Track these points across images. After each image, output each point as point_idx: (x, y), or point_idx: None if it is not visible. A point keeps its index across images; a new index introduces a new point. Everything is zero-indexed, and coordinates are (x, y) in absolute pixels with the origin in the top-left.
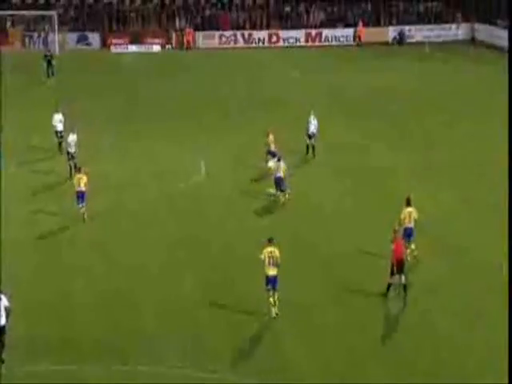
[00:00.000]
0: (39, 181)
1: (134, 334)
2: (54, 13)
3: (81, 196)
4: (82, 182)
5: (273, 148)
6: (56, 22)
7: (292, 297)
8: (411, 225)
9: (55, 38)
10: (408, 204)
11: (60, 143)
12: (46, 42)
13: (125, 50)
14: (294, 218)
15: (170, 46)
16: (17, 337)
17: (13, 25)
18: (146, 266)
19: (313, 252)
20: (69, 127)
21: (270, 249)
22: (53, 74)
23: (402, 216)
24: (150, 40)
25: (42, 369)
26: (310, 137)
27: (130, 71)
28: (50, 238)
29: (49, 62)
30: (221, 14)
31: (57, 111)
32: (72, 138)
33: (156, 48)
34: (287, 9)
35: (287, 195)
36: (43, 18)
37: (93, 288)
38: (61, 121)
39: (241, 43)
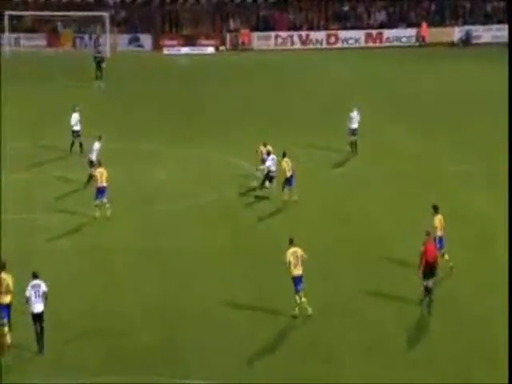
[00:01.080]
0: (70, 185)
1: (185, 343)
2: (105, 14)
3: (102, 191)
4: (103, 176)
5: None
6: (107, 23)
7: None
8: (441, 233)
9: (106, 39)
10: (436, 211)
11: (73, 143)
12: (96, 44)
13: (177, 52)
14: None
15: (224, 48)
16: (64, 347)
17: (64, 26)
18: (197, 272)
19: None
20: (110, 132)
21: (292, 249)
22: (101, 77)
23: (435, 224)
24: (203, 41)
25: (91, 382)
26: (353, 133)
27: (183, 74)
28: (91, 243)
29: (98, 64)
30: (277, 14)
31: (74, 110)
32: (97, 145)
33: (209, 50)
34: (346, 8)
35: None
36: (94, 19)
37: (142, 294)
38: (79, 120)
39: (298, 45)
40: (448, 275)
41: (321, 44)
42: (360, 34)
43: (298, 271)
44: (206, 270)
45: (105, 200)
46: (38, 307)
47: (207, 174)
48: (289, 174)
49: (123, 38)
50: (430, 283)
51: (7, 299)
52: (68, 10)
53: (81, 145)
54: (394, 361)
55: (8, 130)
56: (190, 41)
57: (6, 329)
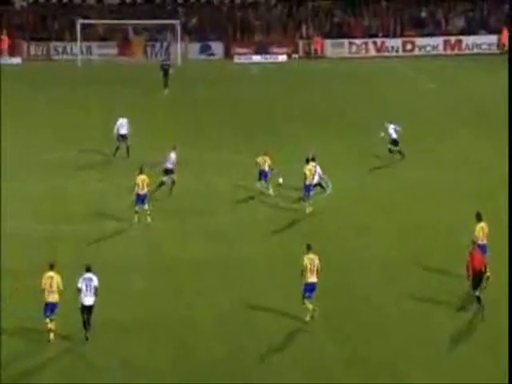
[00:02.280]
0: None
1: (253, 355)
2: (177, 22)
3: (142, 198)
4: (145, 183)
5: (266, 168)
6: (179, 31)
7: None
8: (485, 241)
9: (177, 47)
10: (479, 219)
11: (118, 147)
12: (168, 52)
13: (249, 60)
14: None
15: (296, 56)
16: (131, 350)
17: (135, 34)
18: (266, 291)
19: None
20: (178, 141)
21: (310, 256)
22: (167, 85)
23: (476, 232)
24: (275, 49)
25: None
26: (394, 143)
27: (255, 82)
28: (157, 253)
29: (165, 72)
30: (351, 20)
31: (121, 116)
32: (173, 155)
33: (282, 57)
34: (423, 14)
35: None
36: (166, 27)
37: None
38: (126, 125)
39: (372, 52)
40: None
41: (397, 51)
42: (438, 41)
43: (313, 279)
44: (269, 279)
45: (146, 207)
46: (89, 300)
47: (272, 182)
48: (311, 181)
49: (194, 47)
50: (478, 292)
51: (55, 298)
52: (139, 19)
53: (127, 149)
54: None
55: (72, 135)
56: (261, 48)
57: (50, 325)
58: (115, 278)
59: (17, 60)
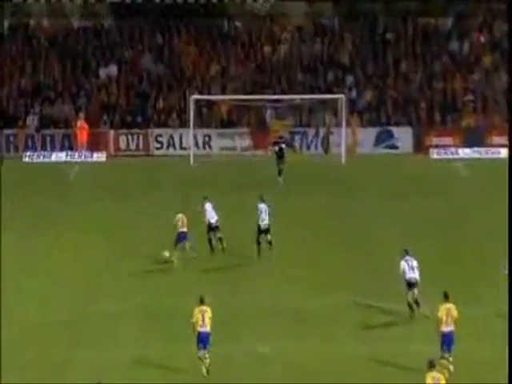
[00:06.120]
0: None
1: None
2: (341, 96)
3: (183, 237)
4: (184, 221)
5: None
6: (344, 110)
7: None
8: (451, 327)
9: (342, 136)
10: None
11: (210, 239)
12: (326, 143)
13: (453, 156)
14: None
15: None
16: None
17: (276, 116)
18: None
19: None
20: None
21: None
22: (280, 173)
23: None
24: (494, 139)
25: None
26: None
27: (465, 190)
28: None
29: (280, 152)
30: None
31: (206, 198)
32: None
33: (504, 152)
34: None
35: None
36: (323, 104)
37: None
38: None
39: None
40: None
41: None
42: None
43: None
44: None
45: (187, 245)
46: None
47: None
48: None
49: (367, 134)
50: None
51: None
52: (282, 93)
53: (220, 239)
54: None
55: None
56: (472, 137)
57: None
58: None
59: (99, 156)
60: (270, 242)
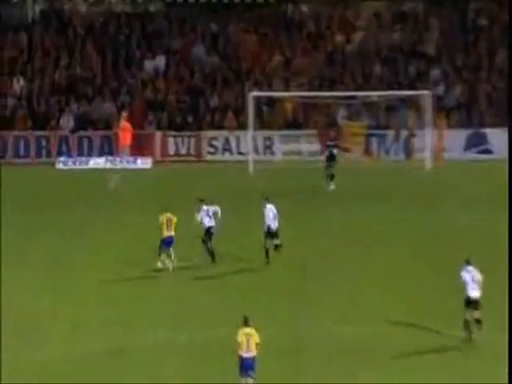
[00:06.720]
0: None
1: None
2: (425, 92)
3: (169, 242)
4: (172, 222)
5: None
6: (430, 108)
7: None
8: (251, 353)
9: (427, 139)
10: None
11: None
12: (409, 148)
13: None
14: None
15: None
16: None
17: (349, 115)
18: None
19: None
20: None
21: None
22: (332, 178)
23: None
24: None
25: None
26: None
27: None
28: None
29: (331, 156)
30: None
31: (202, 201)
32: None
33: None
34: None
35: None
36: (404, 102)
37: None
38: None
39: None
40: None
41: None
42: None
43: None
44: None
45: (172, 253)
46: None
47: None
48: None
49: (457, 137)
50: None
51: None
52: (358, 88)
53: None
54: None
55: None
56: None
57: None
58: None
59: (144, 162)
60: (276, 246)
